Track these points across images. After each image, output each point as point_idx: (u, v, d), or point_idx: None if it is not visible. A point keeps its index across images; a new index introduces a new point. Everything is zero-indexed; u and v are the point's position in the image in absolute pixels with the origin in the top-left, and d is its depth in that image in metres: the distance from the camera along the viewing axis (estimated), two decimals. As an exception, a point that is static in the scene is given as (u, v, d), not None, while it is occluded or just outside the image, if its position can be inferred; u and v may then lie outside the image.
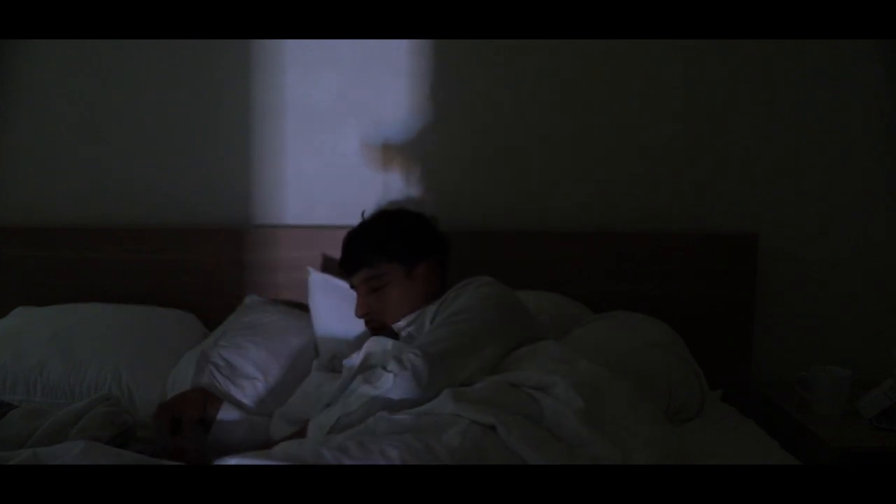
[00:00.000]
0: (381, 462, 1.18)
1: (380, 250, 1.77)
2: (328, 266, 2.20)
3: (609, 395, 1.43)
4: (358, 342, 1.80)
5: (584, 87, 2.28)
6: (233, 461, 1.16)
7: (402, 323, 1.73)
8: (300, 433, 1.49)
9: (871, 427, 1.97)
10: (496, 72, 2.27)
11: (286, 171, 2.31)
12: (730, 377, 2.13)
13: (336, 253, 2.18)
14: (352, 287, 1.81)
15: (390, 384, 1.43)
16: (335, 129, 2.29)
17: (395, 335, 1.71)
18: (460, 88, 2.28)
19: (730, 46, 2.23)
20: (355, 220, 1.87)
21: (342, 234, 2.26)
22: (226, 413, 1.66)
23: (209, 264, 2.26)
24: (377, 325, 1.76)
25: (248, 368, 1.87)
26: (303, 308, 2.12)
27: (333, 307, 1.99)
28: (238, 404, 1.79)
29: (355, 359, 1.63)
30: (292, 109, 2.29)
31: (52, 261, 2.29)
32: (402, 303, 1.75)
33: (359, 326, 1.81)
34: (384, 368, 1.47)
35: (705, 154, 2.30)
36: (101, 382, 1.93)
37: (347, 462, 1.17)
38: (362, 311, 1.77)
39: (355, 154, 2.29)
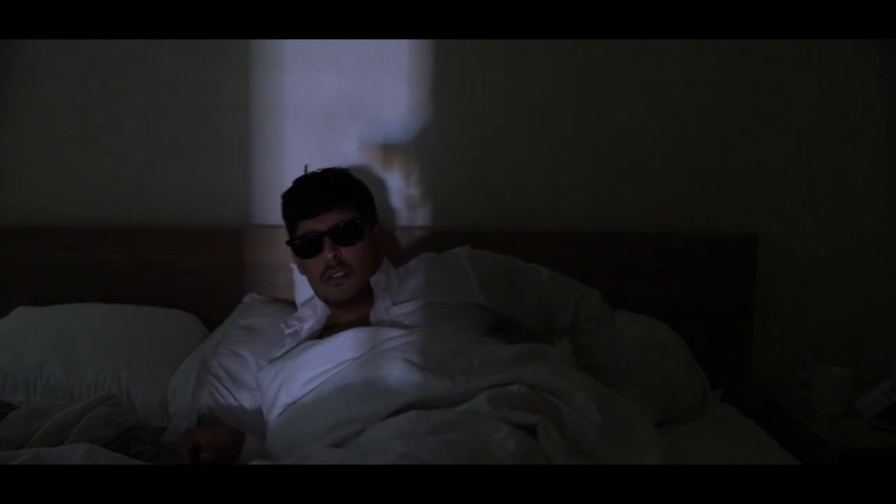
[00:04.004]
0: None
1: (355, 194, 1.74)
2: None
3: (618, 400, 1.44)
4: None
5: (584, 87, 2.28)
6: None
7: (376, 278, 1.68)
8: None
9: (871, 427, 1.97)
10: (496, 72, 2.27)
11: (286, 171, 2.30)
12: (730, 377, 2.13)
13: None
14: (309, 235, 1.67)
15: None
16: (335, 129, 2.29)
17: (360, 292, 1.67)
18: (460, 88, 2.27)
19: (730, 46, 2.22)
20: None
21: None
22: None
23: (209, 264, 2.26)
24: (342, 276, 1.66)
25: (247, 379, 1.87)
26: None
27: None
28: (239, 415, 1.79)
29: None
30: (292, 109, 2.29)
31: (52, 261, 2.29)
32: (373, 257, 1.70)
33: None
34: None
35: (705, 154, 2.29)
36: (101, 383, 1.93)
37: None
38: (331, 253, 1.64)
39: (355, 154, 2.29)
